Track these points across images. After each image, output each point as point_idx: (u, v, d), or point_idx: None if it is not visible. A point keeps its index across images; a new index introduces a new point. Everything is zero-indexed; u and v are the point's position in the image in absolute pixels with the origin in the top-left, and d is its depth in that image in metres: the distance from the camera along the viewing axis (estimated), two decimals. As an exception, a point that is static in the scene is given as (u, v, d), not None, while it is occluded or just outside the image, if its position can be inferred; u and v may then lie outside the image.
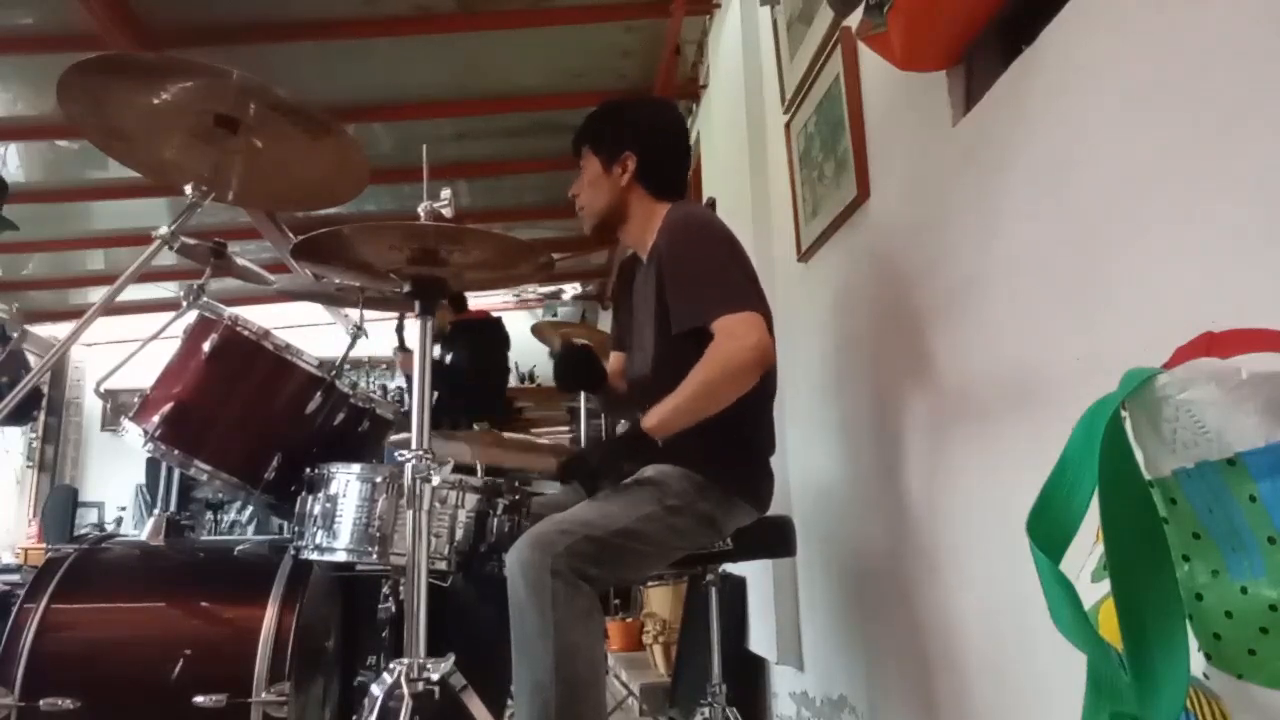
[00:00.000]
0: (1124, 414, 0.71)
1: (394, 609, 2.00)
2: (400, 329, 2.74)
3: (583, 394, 4.22)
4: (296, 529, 1.70)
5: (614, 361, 2.08)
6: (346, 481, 1.64)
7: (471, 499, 1.65)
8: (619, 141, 1.86)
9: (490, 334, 3.75)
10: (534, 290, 6.96)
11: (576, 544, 1.49)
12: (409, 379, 3.47)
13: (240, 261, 2.04)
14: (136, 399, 1.81)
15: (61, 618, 1.68)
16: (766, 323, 1.66)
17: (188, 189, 1.77)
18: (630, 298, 1.97)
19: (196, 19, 3.31)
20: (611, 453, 1.70)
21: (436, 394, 2.08)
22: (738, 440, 1.73)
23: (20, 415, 6.07)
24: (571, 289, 6.96)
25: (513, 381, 7.24)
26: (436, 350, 3.22)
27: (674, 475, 1.65)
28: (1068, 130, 1.26)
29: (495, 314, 3.99)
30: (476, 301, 4.12)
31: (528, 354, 6.85)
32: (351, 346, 1.92)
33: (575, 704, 1.44)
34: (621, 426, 1.66)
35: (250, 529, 5.15)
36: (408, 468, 1.40)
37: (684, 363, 1.61)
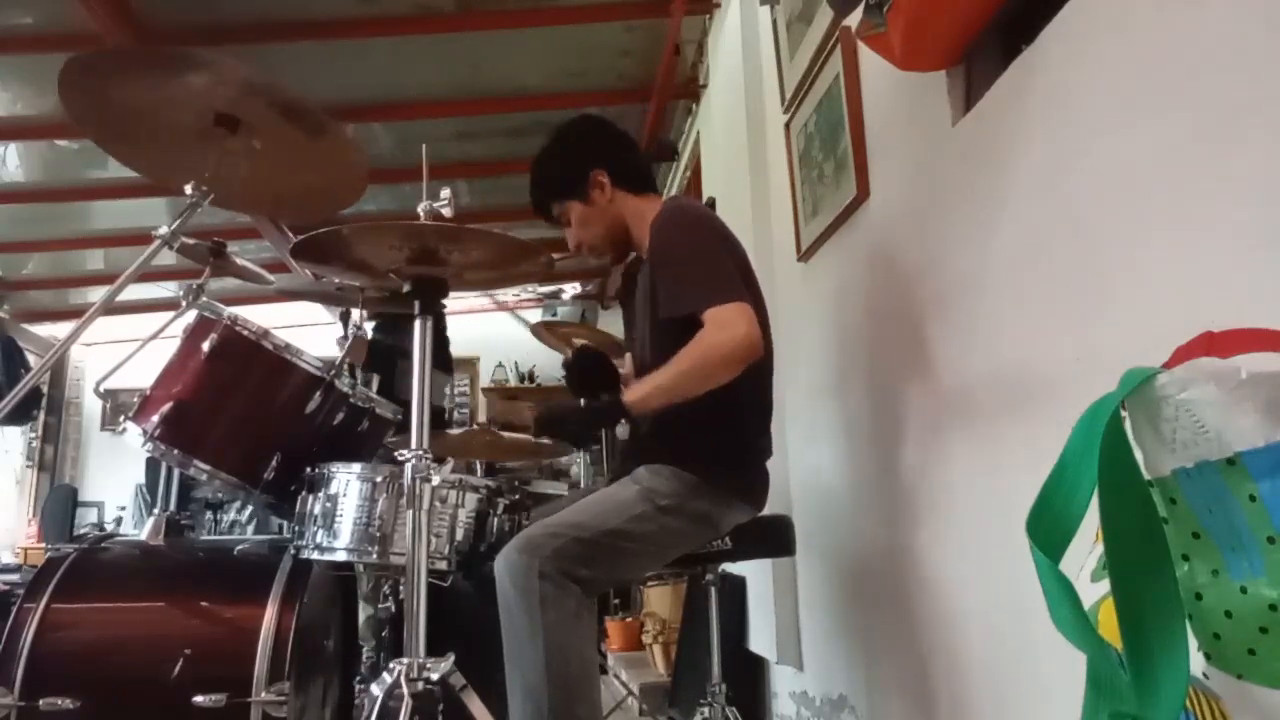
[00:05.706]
0: (1124, 414, 0.71)
1: (393, 609, 2.00)
2: (345, 315, 2.49)
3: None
4: (296, 529, 1.70)
5: (629, 364, 2.09)
6: (346, 481, 1.64)
7: (471, 499, 1.65)
8: (580, 169, 1.85)
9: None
10: (533, 290, 6.95)
11: (564, 546, 1.50)
12: (360, 368, 3.41)
13: (240, 261, 2.04)
14: (136, 399, 1.81)
15: (61, 617, 1.68)
16: (759, 316, 1.65)
17: (188, 189, 1.77)
18: (634, 298, 1.98)
19: (196, 19, 3.31)
20: (590, 422, 1.73)
21: (379, 376, 2.04)
22: (730, 439, 1.73)
23: (20, 414, 6.07)
24: (571, 289, 6.94)
25: (513, 381, 7.27)
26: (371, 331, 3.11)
27: (666, 475, 1.66)
28: (1068, 130, 1.26)
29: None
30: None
31: (527, 353, 6.87)
32: (351, 346, 1.92)
33: (569, 704, 1.44)
34: (622, 429, 1.66)
35: (250, 529, 5.14)
36: (408, 467, 1.40)
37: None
